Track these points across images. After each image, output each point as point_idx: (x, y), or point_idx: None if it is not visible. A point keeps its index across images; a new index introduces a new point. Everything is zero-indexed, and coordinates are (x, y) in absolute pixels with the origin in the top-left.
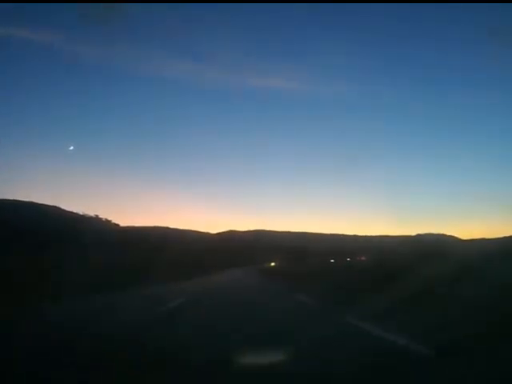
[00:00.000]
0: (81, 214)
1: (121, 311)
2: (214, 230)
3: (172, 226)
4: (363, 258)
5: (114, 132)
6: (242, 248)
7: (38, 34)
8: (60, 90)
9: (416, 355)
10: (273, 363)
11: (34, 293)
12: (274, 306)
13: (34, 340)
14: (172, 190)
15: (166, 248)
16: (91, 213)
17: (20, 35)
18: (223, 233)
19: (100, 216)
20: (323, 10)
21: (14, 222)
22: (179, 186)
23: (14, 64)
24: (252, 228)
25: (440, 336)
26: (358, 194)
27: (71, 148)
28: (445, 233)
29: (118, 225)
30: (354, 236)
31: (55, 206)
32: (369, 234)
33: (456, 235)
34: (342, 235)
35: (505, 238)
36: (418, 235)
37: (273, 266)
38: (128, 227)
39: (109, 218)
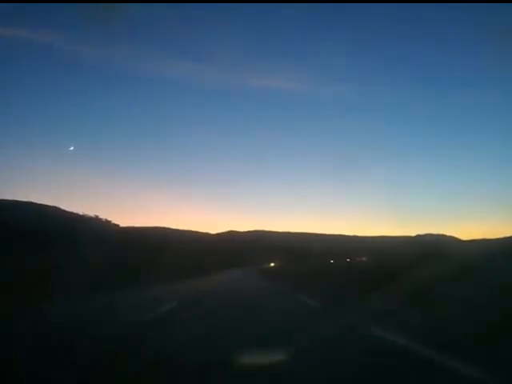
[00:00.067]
0: (81, 214)
1: (118, 312)
2: (213, 231)
3: (172, 226)
4: (364, 259)
5: (114, 132)
6: (241, 248)
7: (38, 34)
8: (60, 89)
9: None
10: (274, 363)
11: (34, 293)
12: (274, 306)
13: (27, 340)
14: (172, 191)
15: (166, 248)
16: (91, 213)
17: (20, 35)
18: (223, 233)
19: (100, 216)
20: (323, 10)
21: (13, 223)
22: (179, 186)
23: (14, 64)
24: (252, 228)
25: (440, 336)
26: (357, 194)
27: (71, 148)
28: (445, 233)
29: (117, 225)
30: (354, 236)
31: (55, 207)
32: (369, 234)
33: (456, 236)
34: (342, 235)
35: (505, 238)
36: (418, 236)
37: (273, 267)
38: (128, 227)
39: (109, 219)
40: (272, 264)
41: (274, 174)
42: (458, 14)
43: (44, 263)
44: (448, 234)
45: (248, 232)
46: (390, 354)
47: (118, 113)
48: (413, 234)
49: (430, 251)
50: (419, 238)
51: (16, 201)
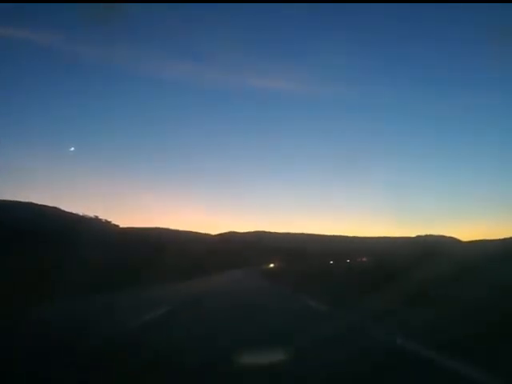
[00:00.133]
0: (80, 214)
1: (117, 312)
2: (214, 231)
3: (172, 226)
4: (364, 260)
5: (114, 132)
6: (242, 249)
7: (38, 34)
8: (60, 89)
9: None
10: (274, 363)
11: (34, 293)
12: (274, 307)
13: (25, 340)
14: (172, 191)
15: (166, 249)
16: (91, 213)
17: (20, 35)
18: (223, 234)
19: (100, 217)
20: (323, 10)
21: (13, 223)
22: (179, 186)
23: (14, 64)
24: (252, 229)
25: (439, 336)
26: (357, 194)
27: (72, 149)
28: (445, 234)
29: (117, 226)
30: (354, 237)
31: (55, 207)
32: (369, 235)
33: (456, 236)
34: (342, 236)
35: (505, 239)
36: (418, 236)
37: (273, 267)
38: (128, 228)
39: (109, 219)
40: (272, 265)
41: (275, 174)
42: (458, 13)
43: (44, 263)
44: (448, 234)
45: (248, 233)
46: (390, 354)
47: (118, 113)
48: (413, 234)
49: (430, 252)
50: (419, 239)
51: (16, 201)
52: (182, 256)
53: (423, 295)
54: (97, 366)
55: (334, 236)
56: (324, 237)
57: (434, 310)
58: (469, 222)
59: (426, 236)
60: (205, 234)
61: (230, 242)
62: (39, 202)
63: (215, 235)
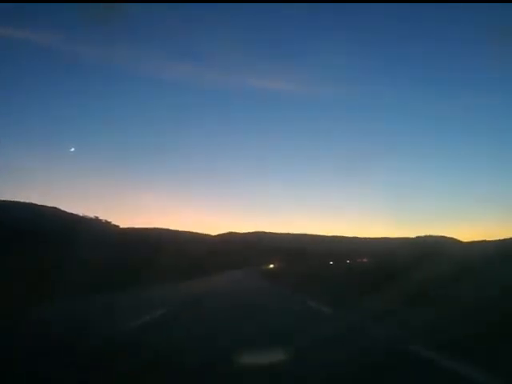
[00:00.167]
0: (80, 215)
1: (117, 313)
2: (214, 232)
3: (172, 227)
4: (365, 260)
5: (114, 133)
6: (242, 249)
7: (38, 34)
8: (60, 89)
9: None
10: (274, 363)
11: (33, 293)
12: (274, 307)
13: (24, 340)
14: (172, 192)
15: (166, 249)
16: (91, 214)
17: (20, 35)
18: (223, 234)
19: (100, 217)
20: (323, 10)
21: (13, 223)
22: (179, 187)
23: (14, 64)
24: (252, 230)
25: (439, 336)
26: (357, 195)
27: (72, 150)
28: (445, 235)
29: (117, 226)
30: (354, 238)
31: (55, 207)
32: (368, 235)
33: (456, 237)
34: (342, 237)
35: (505, 240)
36: (418, 237)
37: (273, 268)
38: (128, 228)
39: (109, 220)
40: (272, 265)
41: (275, 175)
42: (458, 13)
43: (44, 264)
44: (448, 235)
45: (248, 233)
46: (389, 354)
47: (118, 113)
48: (413, 235)
49: (430, 252)
50: (419, 240)
51: (16, 201)
52: (181, 256)
53: (423, 295)
54: (96, 366)
55: (333, 236)
56: (324, 237)
57: (434, 310)
58: (469, 223)
59: (426, 236)
60: (205, 235)
61: (230, 242)
62: (39, 203)
63: (215, 235)
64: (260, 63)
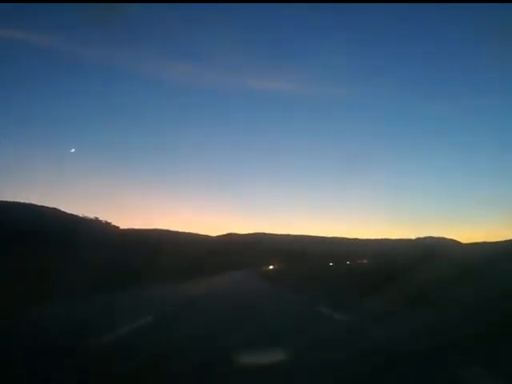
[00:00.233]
0: (81, 216)
1: (117, 312)
2: (214, 233)
3: (172, 228)
4: (365, 261)
5: (114, 133)
6: (242, 250)
7: (38, 34)
8: (60, 89)
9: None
10: (274, 363)
11: (33, 293)
12: (274, 308)
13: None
14: (172, 193)
15: (166, 250)
16: (91, 215)
17: (20, 35)
18: (223, 235)
19: (100, 218)
20: (323, 10)
21: (13, 223)
22: (179, 188)
23: (14, 64)
24: (252, 231)
25: (439, 337)
26: (358, 196)
27: (73, 150)
28: (445, 236)
29: (117, 227)
30: (354, 239)
31: (55, 208)
32: (369, 237)
33: (456, 238)
34: (342, 238)
35: (506, 241)
36: (418, 239)
37: (273, 269)
38: (128, 229)
39: (109, 221)
40: (272, 266)
41: (275, 176)
42: (458, 14)
43: (44, 264)
44: (448, 236)
45: (248, 234)
46: (389, 354)
47: (118, 113)
48: (413, 236)
49: (430, 254)
50: (419, 241)
51: (16, 202)
52: (181, 257)
53: (423, 297)
54: (92, 366)
55: (333, 238)
56: (324, 238)
57: (434, 311)
58: (469, 224)
59: (426, 238)
60: (205, 236)
61: (230, 243)
62: (39, 203)
63: (215, 237)
64: (260, 63)
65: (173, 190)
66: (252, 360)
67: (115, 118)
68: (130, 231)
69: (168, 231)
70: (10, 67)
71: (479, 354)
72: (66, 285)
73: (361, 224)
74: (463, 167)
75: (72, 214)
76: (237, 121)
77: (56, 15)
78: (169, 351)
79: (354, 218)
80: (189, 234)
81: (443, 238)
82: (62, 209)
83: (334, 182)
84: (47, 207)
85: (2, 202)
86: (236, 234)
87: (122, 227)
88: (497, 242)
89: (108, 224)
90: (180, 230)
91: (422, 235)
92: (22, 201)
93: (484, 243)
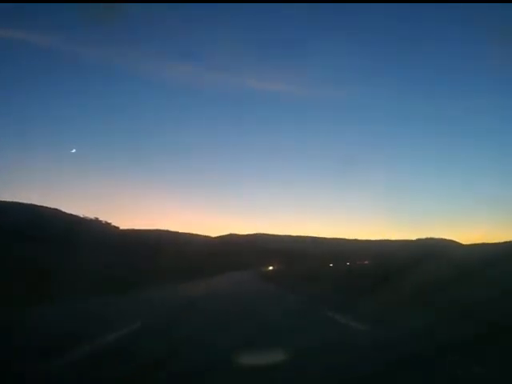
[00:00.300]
0: (81, 216)
1: (117, 312)
2: (214, 234)
3: (172, 228)
4: (365, 262)
5: (114, 133)
6: (242, 251)
7: (38, 34)
8: (60, 89)
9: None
10: (275, 363)
11: (33, 293)
12: (274, 308)
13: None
14: (172, 193)
15: (166, 251)
16: (91, 215)
17: (20, 35)
18: (223, 236)
19: (100, 218)
20: (323, 11)
21: (14, 224)
22: (179, 188)
23: (14, 64)
24: (252, 231)
25: (438, 338)
26: (358, 197)
27: (73, 151)
28: (445, 237)
29: (117, 227)
30: (354, 240)
31: (55, 209)
32: (369, 238)
33: (457, 239)
34: (342, 239)
35: (506, 242)
36: (419, 239)
37: (273, 270)
38: (128, 230)
39: (109, 221)
40: (272, 267)
41: (275, 177)
42: (458, 14)
43: (44, 264)
44: (449, 237)
45: (248, 235)
46: (388, 354)
47: (118, 113)
48: (413, 237)
49: (431, 255)
50: (420, 242)
51: (16, 202)
52: (181, 258)
53: (423, 298)
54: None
55: (333, 239)
56: (324, 239)
57: (434, 312)
58: (469, 225)
59: (427, 239)
60: (205, 236)
61: (230, 244)
62: (40, 204)
63: (215, 237)
64: (260, 63)
65: (173, 190)
66: (252, 361)
67: (115, 118)
68: (130, 232)
69: (168, 232)
70: (9, 67)
71: (479, 354)
72: (66, 285)
73: (361, 225)
74: (463, 168)
75: (72, 215)
76: (237, 121)
77: (56, 15)
78: (169, 351)
79: (355, 219)
80: (189, 234)
81: (443, 239)
82: (63, 209)
83: (334, 182)
84: (48, 207)
85: (3, 202)
86: (236, 234)
87: (122, 228)
88: (497, 243)
89: (108, 224)
90: (180, 231)
91: (423, 236)
92: (22, 201)
93: (484, 244)
